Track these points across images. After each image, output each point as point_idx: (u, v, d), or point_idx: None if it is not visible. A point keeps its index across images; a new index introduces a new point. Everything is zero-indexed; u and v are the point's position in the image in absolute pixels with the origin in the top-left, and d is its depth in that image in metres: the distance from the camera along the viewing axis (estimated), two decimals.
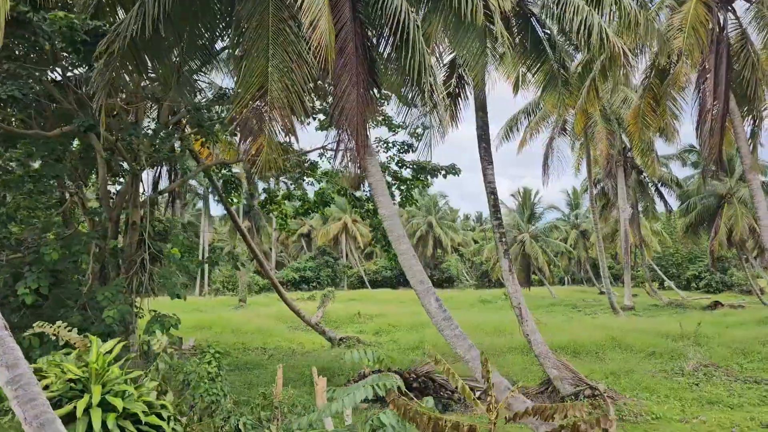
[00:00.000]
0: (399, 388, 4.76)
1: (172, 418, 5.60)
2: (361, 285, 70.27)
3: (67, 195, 13.78)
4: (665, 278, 53.75)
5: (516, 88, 15.98)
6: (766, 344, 18.37)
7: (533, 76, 15.53)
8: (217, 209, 65.25)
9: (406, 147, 17.17)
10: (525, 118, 26.87)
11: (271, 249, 70.36)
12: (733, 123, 14.93)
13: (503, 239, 12.66)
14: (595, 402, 11.29)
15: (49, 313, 11.11)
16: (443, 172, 17.34)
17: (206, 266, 64.77)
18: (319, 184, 17.42)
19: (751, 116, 15.13)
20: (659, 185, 41.22)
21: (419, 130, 17.03)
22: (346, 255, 68.85)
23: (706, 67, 14.99)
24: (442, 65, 14.86)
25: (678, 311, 35.34)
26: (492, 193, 12.81)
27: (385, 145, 17.17)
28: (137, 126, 12.41)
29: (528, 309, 12.52)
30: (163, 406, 5.69)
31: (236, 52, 8.65)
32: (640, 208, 42.37)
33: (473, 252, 67.34)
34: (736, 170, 36.26)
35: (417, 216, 71.92)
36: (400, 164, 17.47)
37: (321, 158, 17.33)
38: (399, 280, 77.06)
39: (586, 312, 36.16)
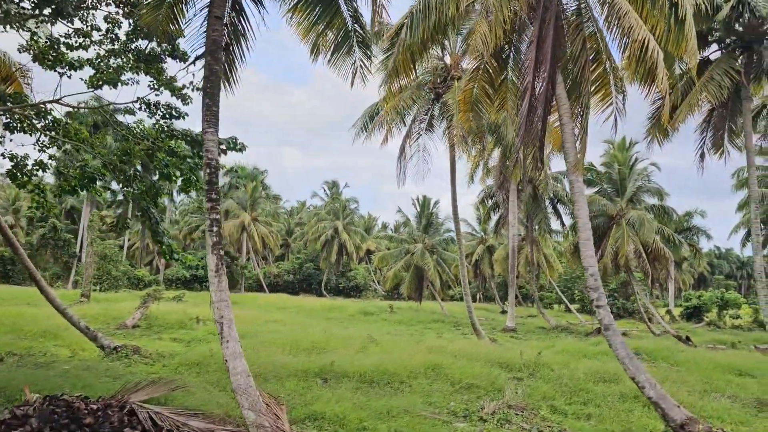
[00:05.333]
0: None
1: None
2: (260, 288, 66.02)
3: None
4: (565, 301, 52.18)
5: (314, 50, 12.65)
6: (604, 383, 15.68)
7: (326, 32, 12.41)
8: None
9: (173, 111, 13.67)
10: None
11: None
12: (559, 112, 12.12)
13: (214, 227, 9.27)
14: None
15: None
16: (223, 146, 13.89)
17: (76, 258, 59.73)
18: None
19: (578, 105, 12.34)
20: (556, 202, 39.17)
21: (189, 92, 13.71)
22: (247, 255, 64.47)
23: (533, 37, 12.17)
24: None
25: (559, 336, 33.13)
26: (209, 164, 9.43)
27: (147, 107, 13.61)
28: None
29: (234, 329, 9.16)
30: None
31: None
32: (536, 226, 40.20)
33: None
34: (627, 190, 34.51)
35: (325, 220, 68.24)
36: (169, 134, 13.93)
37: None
38: (301, 286, 73.00)
39: (464, 332, 33.40)
